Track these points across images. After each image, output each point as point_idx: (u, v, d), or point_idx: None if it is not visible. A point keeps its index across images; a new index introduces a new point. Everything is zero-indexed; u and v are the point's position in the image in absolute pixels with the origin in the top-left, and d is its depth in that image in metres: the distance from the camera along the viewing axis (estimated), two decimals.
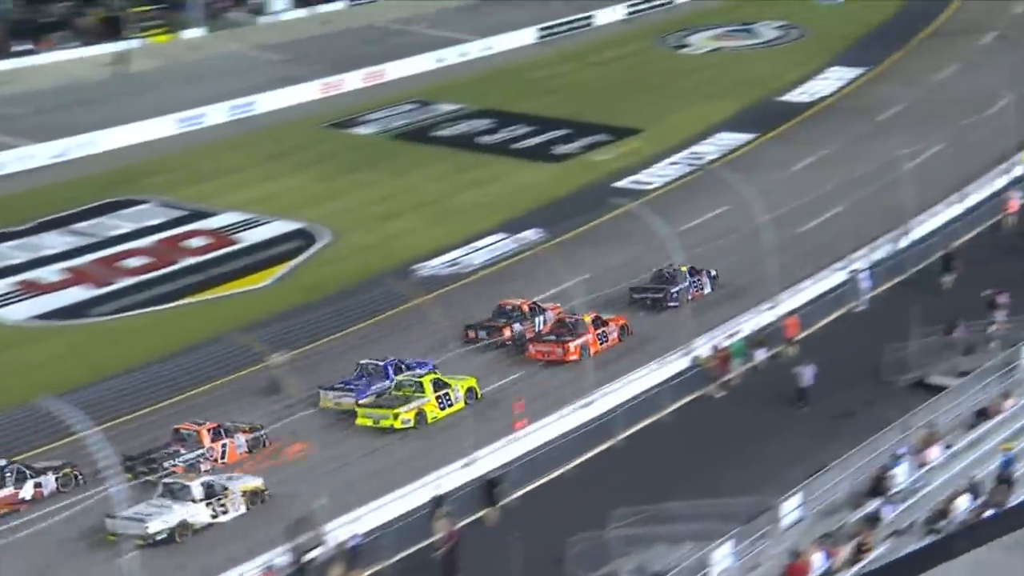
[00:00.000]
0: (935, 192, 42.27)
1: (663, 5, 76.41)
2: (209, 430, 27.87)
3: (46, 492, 26.19)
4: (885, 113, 51.63)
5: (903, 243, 38.80)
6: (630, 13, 74.77)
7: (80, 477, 26.39)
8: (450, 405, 29.73)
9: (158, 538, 24.58)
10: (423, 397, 29.40)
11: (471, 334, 33.17)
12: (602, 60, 66.27)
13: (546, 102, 58.74)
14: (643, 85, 61.15)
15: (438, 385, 29.71)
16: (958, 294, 34.96)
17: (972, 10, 69.33)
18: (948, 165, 44.24)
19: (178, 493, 25.31)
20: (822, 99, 56.64)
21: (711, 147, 51.61)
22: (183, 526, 24.98)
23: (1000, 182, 43.17)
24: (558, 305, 33.66)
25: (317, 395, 29.98)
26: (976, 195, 41.99)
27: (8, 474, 25.97)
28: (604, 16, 73.64)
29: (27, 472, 26.15)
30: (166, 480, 25.87)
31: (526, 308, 33.67)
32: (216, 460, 27.62)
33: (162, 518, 24.83)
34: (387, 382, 30.23)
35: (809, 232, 40.15)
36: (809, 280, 36.01)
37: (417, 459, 27.46)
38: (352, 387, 30.14)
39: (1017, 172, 43.53)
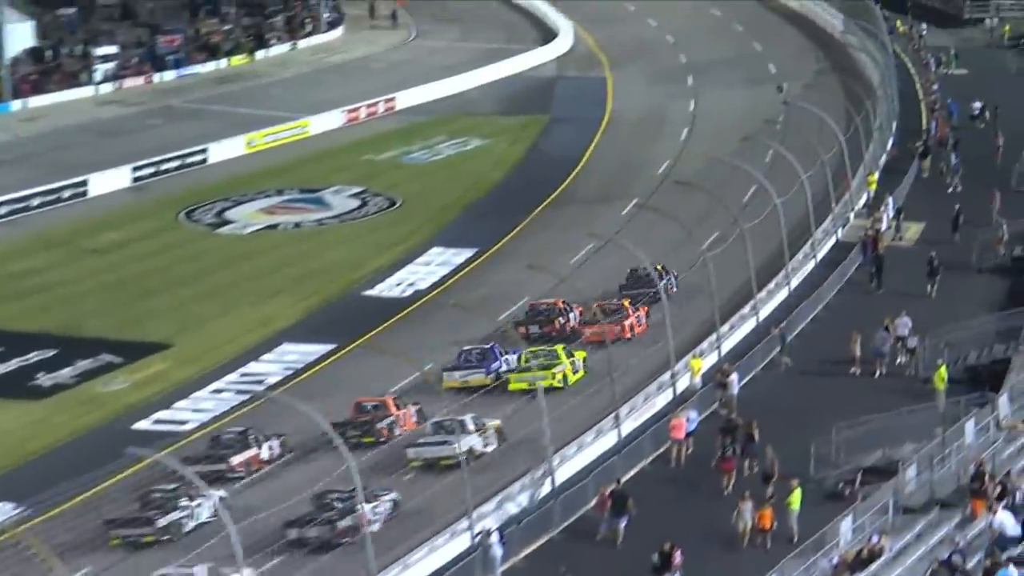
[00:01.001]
0: (579, 416, 44.73)
1: (189, 166, 77.80)
2: (392, 401, 43.86)
3: (275, 454, 42.63)
4: (507, 310, 54.34)
5: (545, 488, 40.63)
6: (140, 177, 75.50)
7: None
8: (577, 371, 47.18)
9: (461, 458, 38.50)
10: (560, 364, 46.58)
11: (523, 329, 49.64)
12: (103, 246, 66.32)
13: (19, 311, 58.02)
14: (167, 281, 61.60)
15: (568, 354, 46.91)
16: (632, 550, 36.79)
17: (604, 172, 75.03)
18: (594, 378, 47.08)
19: (452, 428, 40.72)
20: (422, 293, 59.08)
21: (272, 365, 52.42)
22: (471, 451, 41.06)
23: (662, 400, 46.37)
24: (579, 305, 52.06)
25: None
26: (634, 418, 44.75)
27: (252, 438, 42.48)
28: (101, 183, 73.89)
29: (260, 437, 42.80)
30: (435, 420, 41.99)
31: (561, 304, 51.30)
32: (402, 426, 43.38)
33: (460, 442, 40.04)
34: (497, 362, 47.29)
35: (415, 480, 41.28)
36: (423, 549, 36.86)
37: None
38: (473, 366, 46.56)
39: (683, 385, 46.97)
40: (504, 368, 47.60)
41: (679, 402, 45.56)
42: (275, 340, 54.63)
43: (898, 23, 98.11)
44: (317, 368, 51.83)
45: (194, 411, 48.86)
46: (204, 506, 39.00)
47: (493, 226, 66.38)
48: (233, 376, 51.61)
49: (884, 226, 60.08)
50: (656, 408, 45.80)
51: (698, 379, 47.05)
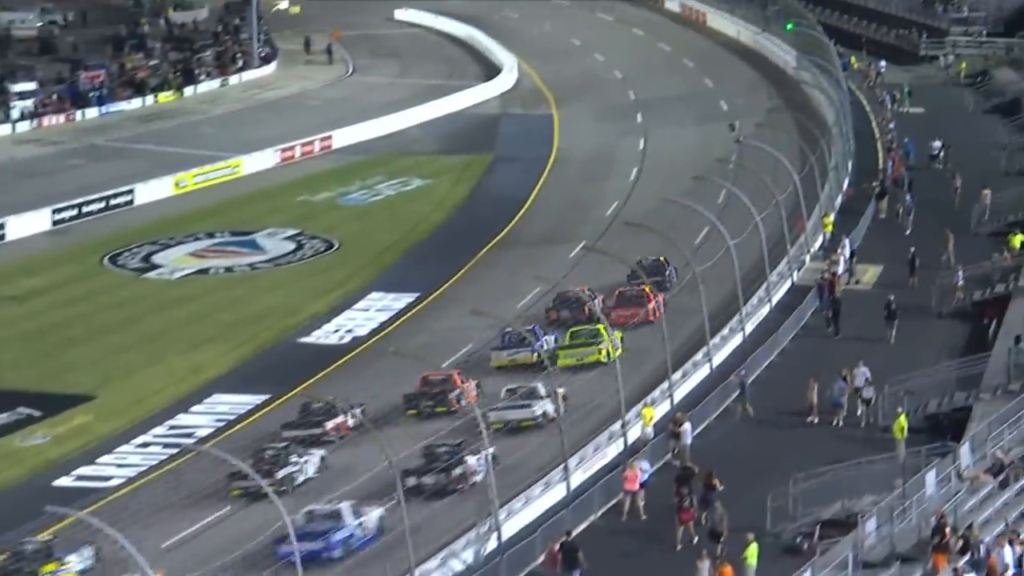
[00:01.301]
0: (526, 468, 44.86)
1: (113, 208, 77.57)
2: (457, 375, 50.24)
3: (358, 422, 47.41)
4: (452, 356, 54.58)
5: (491, 544, 40.66)
6: (61, 220, 75.17)
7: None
8: (617, 348, 50.81)
9: (538, 420, 47.55)
10: (604, 341, 51.88)
11: (555, 314, 56.76)
12: (22, 293, 66.01)
13: None
14: (90, 329, 61.45)
15: (608, 332, 51.56)
16: None
17: (551, 213, 75.26)
18: (544, 429, 47.37)
19: (525, 395, 48.13)
20: (361, 340, 59.17)
21: (203, 417, 52.38)
22: (545, 414, 47.86)
23: (613, 450, 46.56)
24: (600, 293, 57.24)
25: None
26: (583, 470, 44.93)
27: (340, 406, 47.94)
28: (20, 226, 73.56)
29: (346, 406, 48.33)
30: (510, 387, 49.13)
31: (586, 291, 56.17)
32: (467, 398, 48.84)
33: (536, 406, 47.99)
34: (540, 342, 53.39)
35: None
36: None
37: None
38: (518, 346, 53.24)
39: (635, 435, 47.17)
40: (545, 347, 53.04)
41: (631, 452, 45.75)
42: (206, 390, 54.60)
43: (852, 59, 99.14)
44: (250, 419, 51.75)
45: (119, 466, 48.71)
46: (310, 463, 45.76)
47: (435, 270, 66.56)
48: (160, 429, 51.51)
49: (841, 269, 60.55)
50: (607, 459, 45.98)
51: (650, 429, 47.27)
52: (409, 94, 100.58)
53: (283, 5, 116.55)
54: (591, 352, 52.51)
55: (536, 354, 52.23)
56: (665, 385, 49.93)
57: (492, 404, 48.35)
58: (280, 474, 44.27)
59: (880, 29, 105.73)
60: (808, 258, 63.90)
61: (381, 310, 62.28)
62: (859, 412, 48.20)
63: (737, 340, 55.25)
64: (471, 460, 43.85)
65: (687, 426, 46.13)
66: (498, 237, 71.52)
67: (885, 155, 78.13)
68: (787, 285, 61.15)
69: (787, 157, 66.48)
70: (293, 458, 45.39)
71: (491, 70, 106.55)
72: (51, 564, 40.20)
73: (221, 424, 51.44)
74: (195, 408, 53.10)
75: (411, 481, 42.70)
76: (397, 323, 60.90)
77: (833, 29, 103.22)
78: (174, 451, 48.67)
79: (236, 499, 43.92)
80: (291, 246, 71.55)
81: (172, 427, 51.61)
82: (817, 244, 65.43)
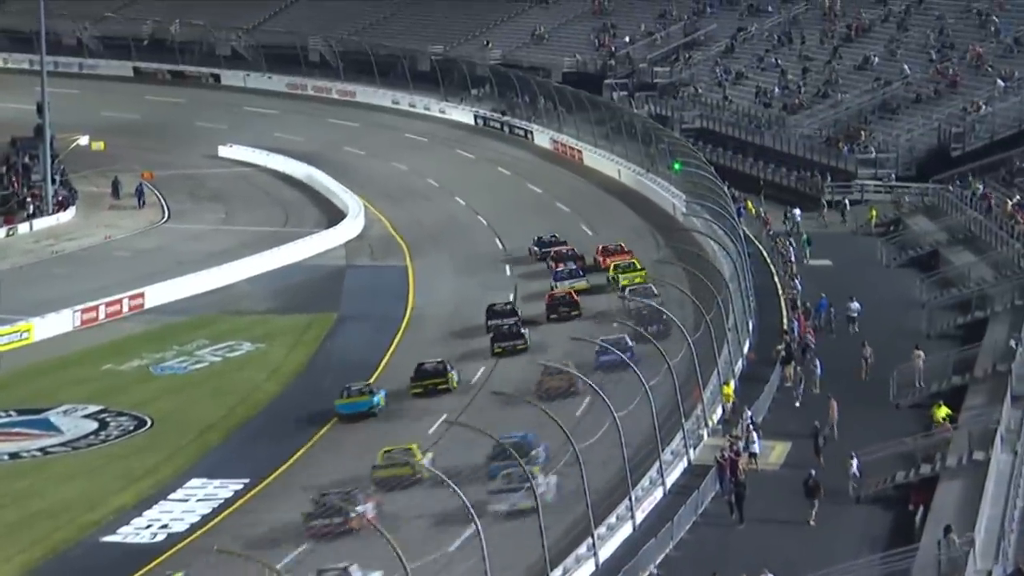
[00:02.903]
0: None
1: None
2: (573, 292, 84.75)
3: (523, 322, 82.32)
4: (289, 554, 54.01)
5: None
6: None
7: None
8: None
9: (655, 305, 73.36)
10: (641, 270, 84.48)
11: (560, 265, 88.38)
12: None
13: None
14: None
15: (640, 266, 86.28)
16: None
17: (407, 381, 74.44)
18: None
19: (646, 292, 78.03)
20: (179, 536, 58.31)
21: None
22: (663, 303, 73.77)
23: None
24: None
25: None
26: None
27: (511, 307, 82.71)
28: None
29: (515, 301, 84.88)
30: (631, 288, 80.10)
31: (573, 248, 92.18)
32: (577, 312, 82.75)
33: (654, 301, 74.93)
34: (584, 275, 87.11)
35: None
36: None
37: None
38: (571, 277, 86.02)
39: None
40: (588, 281, 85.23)
41: None
42: None
43: (748, 204, 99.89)
44: None
45: None
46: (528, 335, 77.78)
47: (268, 451, 66.13)
48: None
49: (748, 446, 60.11)
50: None
51: None
52: (236, 243, 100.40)
53: (83, 141, 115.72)
54: (638, 275, 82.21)
55: (587, 283, 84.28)
56: None
57: (630, 297, 75.75)
58: (525, 337, 75.99)
59: (779, 171, 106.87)
60: (706, 433, 63.78)
61: (203, 500, 61.58)
62: None
63: (627, 530, 54.74)
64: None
65: None
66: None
67: (790, 314, 78.37)
68: (683, 465, 60.81)
69: (679, 316, 66.75)
70: (524, 331, 76.62)
71: (334, 215, 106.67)
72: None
73: None
74: None
75: (633, 324, 70.10)
76: (223, 515, 60.16)
77: (726, 170, 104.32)
78: None
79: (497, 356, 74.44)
80: (93, 425, 70.73)
81: None
82: (716, 417, 65.36)
